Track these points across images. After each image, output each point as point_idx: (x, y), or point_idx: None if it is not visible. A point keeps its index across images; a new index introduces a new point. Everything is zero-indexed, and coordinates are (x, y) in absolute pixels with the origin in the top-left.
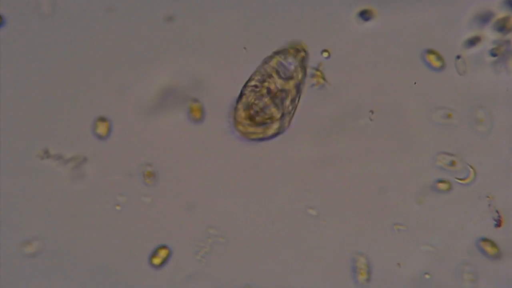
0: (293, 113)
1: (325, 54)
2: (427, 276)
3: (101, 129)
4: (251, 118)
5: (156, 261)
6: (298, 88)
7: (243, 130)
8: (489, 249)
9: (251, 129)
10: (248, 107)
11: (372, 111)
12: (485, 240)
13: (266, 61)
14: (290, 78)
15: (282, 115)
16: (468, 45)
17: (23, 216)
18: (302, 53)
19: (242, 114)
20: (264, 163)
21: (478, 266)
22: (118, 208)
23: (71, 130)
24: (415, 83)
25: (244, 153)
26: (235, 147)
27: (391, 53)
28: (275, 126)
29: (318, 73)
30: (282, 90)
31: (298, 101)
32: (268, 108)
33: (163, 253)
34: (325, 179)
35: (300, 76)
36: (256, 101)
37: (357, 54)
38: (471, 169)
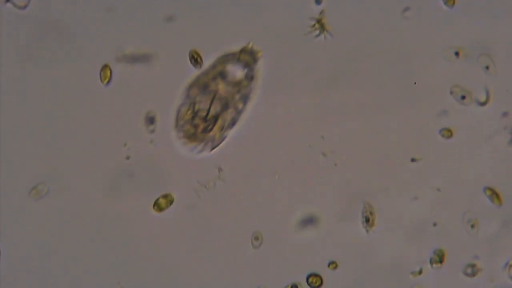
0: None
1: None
2: (434, 222)
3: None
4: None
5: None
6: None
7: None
8: (493, 197)
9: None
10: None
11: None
12: (489, 188)
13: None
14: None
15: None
16: None
17: (23, 215)
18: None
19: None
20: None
21: (480, 213)
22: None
23: (71, 134)
24: (415, 83)
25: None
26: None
27: None
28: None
29: (319, 22)
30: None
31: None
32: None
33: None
34: (333, 128)
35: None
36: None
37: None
38: (487, 91)
